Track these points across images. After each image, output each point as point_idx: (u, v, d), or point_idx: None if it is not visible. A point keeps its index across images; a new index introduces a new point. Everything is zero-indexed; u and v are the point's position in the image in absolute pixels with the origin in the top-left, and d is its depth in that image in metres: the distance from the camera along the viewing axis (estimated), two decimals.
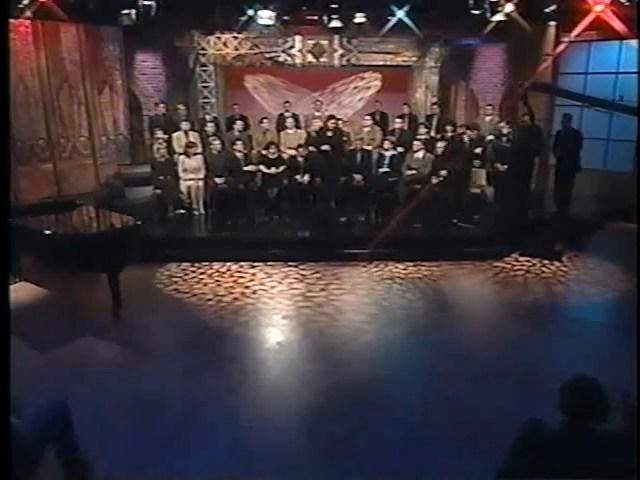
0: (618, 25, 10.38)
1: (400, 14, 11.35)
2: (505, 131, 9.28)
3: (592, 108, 9.52)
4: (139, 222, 6.70)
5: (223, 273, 7.95)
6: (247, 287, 7.46)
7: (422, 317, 6.65)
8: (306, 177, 9.72)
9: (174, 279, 7.75)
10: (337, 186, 9.66)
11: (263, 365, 5.62)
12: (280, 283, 7.59)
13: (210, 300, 7.05)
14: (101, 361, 5.62)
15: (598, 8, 10.66)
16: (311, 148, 10.16)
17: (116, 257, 6.40)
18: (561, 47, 10.98)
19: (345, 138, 10.76)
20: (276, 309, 6.82)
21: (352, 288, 7.42)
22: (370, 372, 5.44)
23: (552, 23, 11.00)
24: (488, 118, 10.81)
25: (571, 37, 11.00)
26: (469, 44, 12.21)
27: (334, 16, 11.56)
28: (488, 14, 11.02)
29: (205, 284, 7.57)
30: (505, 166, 9.15)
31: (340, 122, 10.81)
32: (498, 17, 10.91)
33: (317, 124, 10.50)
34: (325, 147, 9.92)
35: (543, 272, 8.06)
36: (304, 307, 6.85)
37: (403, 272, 7.98)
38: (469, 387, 5.12)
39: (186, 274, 7.92)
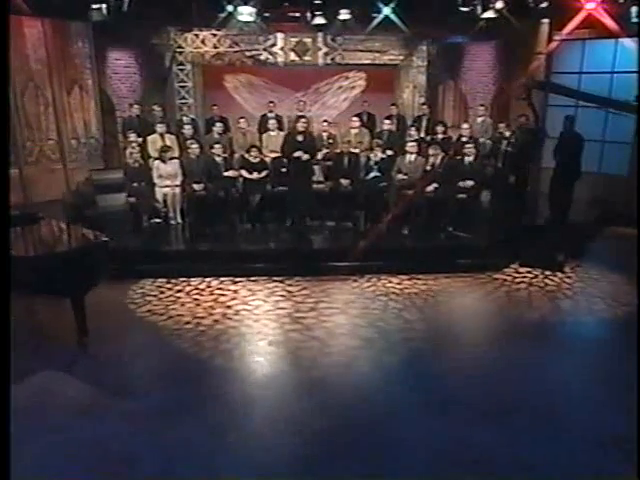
0: (610, 23, 9.76)
1: (386, 11, 10.63)
2: (507, 134, 8.46)
3: (593, 107, 8.74)
4: (106, 238, 5.81)
5: (202, 290, 7.08)
6: (229, 307, 6.61)
7: (422, 341, 5.85)
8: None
9: (148, 298, 6.86)
10: (309, 193, 8.82)
11: (248, 405, 4.76)
12: (265, 301, 6.75)
13: (188, 323, 6.18)
14: (59, 405, 4.73)
15: (590, 6, 10.06)
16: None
17: (80, 279, 5.50)
18: (553, 45, 10.29)
19: (331, 141, 9.94)
20: (261, 333, 5.97)
21: (344, 307, 6.60)
22: (369, 411, 4.65)
23: (545, 21, 10.31)
24: (480, 119, 10.07)
25: (563, 35, 10.32)
26: (458, 42, 11.50)
27: (318, 13, 10.82)
28: (478, 11, 10.32)
29: (182, 304, 6.69)
30: (504, 170, 8.39)
31: (326, 124, 9.99)
32: (488, 14, 10.21)
33: (301, 125, 9.59)
34: (298, 153, 8.73)
35: (546, 285, 7.33)
36: (292, 330, 6.01)
37: (398, 287, 7.18)
38: (480, 427, 4.35)
39: (161, 292, 7.04)
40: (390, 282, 7.33)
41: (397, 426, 4.44)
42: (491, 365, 5.37)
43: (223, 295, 6.94)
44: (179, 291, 7.06)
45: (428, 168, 8.59)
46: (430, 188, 8.43)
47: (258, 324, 6.18)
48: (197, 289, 7.12)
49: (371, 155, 9.22)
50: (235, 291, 7.04)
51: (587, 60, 10.26)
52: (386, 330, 6.05)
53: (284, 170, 8.98)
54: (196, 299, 6.83)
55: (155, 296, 6.92)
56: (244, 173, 9.07)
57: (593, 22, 9.98)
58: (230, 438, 4.31)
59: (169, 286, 7.21)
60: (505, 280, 7.45)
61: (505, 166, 8.30)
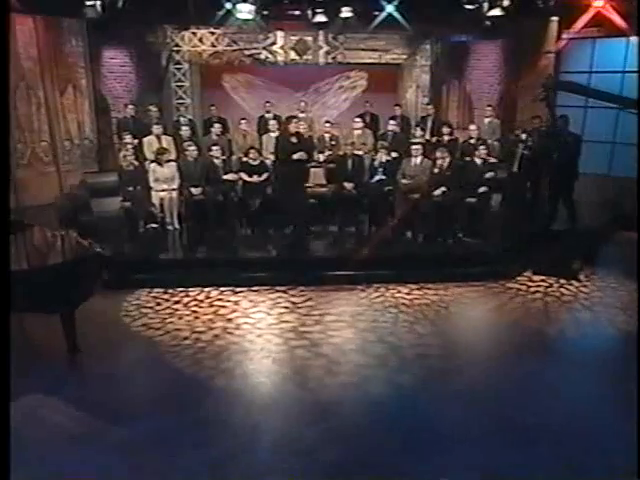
0: (619, 21, 9.34)
1: (389, 8, 10.15)
2: (524, 137, 7.96)
3: (627, 111, 8.24)
4: (99, 249, 5.34)
5: (201, 302, 6.60)
6: (229, 320, 6.14)
7: (437, 358, 5.39)
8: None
9: (144, 310, 6.38)
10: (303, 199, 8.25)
11: (251, 432, 4.30)
12: (268, 314, 6.28)
13: (186, 339, 5.71)
14: (44, 432, 4.26)
15: (598, 3, 9.64)
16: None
17: (70, 294, 5.04)
18: (563, 44, 9.84)
19: (333, 142, 9.46)
20: (264, 350, 5.50)
21: (352, 320, 6.13)
22: (383, 439, 4.19)
23: (554, 19, 9.85)
24: (487, 120, 9.61)
25: (571, 33, 9.89)
26: (463, 41, 11.03)
27: (319, 10, 10.31)
28: (484, 9, 9.84)
29: (180, 317, 6.21)
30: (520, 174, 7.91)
31: (328, 125, 9.51)
32: (495, 12, 9.73)
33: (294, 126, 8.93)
34: (296, 155, 7.88)
35: (563, 295, 6.88)
36: (298, 347, 5.54)
37: (408, 297, 6.72)
38: (504, 456, 3.91)
39: (158, 303, 6.55)
40: (399, 292, 6.86)
41: (413, 459, 3.98)
42: (515, 385, 4.91)
43: (223, 307, 6.46)
44: (176, 302, 6.58)
45: (436, 171, 8.12)
46: (438, 192, 7.98)
47: (261, 339, 5.70)
48: (196, 300, 6.64)
49: (375, 157, 8.77)
50: (236, 302, 6.56)
51: (597, 59, 9.79)
52: (398, 346, 5.58)
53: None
54: (195, 311, 6.35)
55: (151, 308, 6.44)
56: (244, 176, 8.61)
57: (602, 20, 9.58)
58: (232, 470, 3.85)
59: (166, 297, 6.73)
60: (519, 290, 7.00)
61: (521, 170, 7.80)
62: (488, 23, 9.90)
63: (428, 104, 10.40)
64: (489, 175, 8.08)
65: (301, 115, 9.88)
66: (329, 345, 5.58)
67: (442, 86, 11.41)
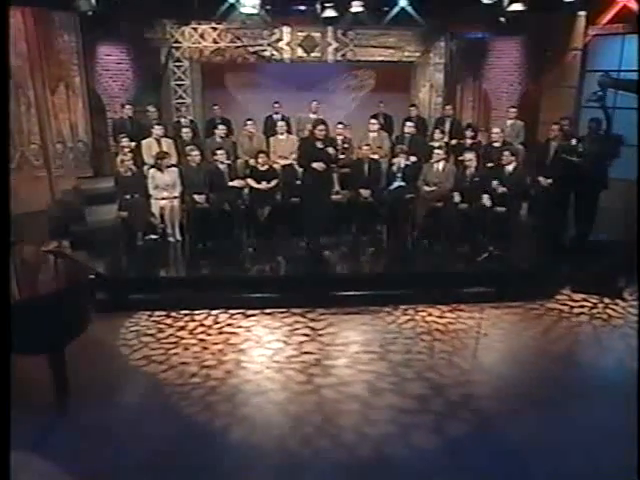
0: None
1: (402, 3, 9.24)
2: (574, 142, 7.04)
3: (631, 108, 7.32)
4: (92, 275, 4.42)
5: (209, 328, 5.68)
6: (242, 351, 5.23)
7: (489, 401, 4.51)
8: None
9: (144, 339, 5.45)
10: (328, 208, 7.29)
11: None
12: (286, 343, 5.37)
13: (194, 376, 4.80)
14: None
15: None
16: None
17: (58, 332, 4.12)
18: (591, 40, 8.99)
19: (346, 145, 8.54)
20: (287, 391, 4.59)
21: (382, 351, 5.22)
22: None
23: (581, 13, 8.98)
24: (510, 122, 8.73)
25: (598, 29, 9.03)
26: (480, 38, 10.12)
27: (327, 5, 9.39)
28: (504, 3, 8.94)
29: (186, 347, 5.30)
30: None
31: (341, 126, 8.59)
32: (515, 7, 8.84)
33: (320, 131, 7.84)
34: (317, 164, 6.83)
35: (611, 317, 6.02)
36: (325, 386, 4.65)
37: (441, 322, 5.83)
38: None
39: (160, 330, 5.63)
40: (430, 315, 5.97)
41: None
42: (589, 435, 4.03)
43: (234, 334, 5.54)
44: (181, 329, 5.66)
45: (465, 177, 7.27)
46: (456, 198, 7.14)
47: (281, 376, 4.80)
48: (203, 325, 5.72)
49: (393, 162, 7.89)
50: (248, 329, 5.65)
51: (626, 57, 8.91)
52: (440, 385, 4.69)
53: (298, 181, 7.60)
54: (202, 340, 5.43)
55: (152, 336, 5.52)
56: (252, 183, 7.70)
57: (630, 15, 8.73)
58: None
59: (169, 322, 5.80)
60: (562, 311, 6.13)
61: (567, 179, 6.89)
62: (508, 18, 9.05)
63: (447, 105, 9.51)
64: (517, 181, 7.25)
65: (312, 116, 8.95)
66: (360, 383, 4.69)
67: (457, 85, 10.51)
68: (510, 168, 7.25)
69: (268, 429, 4.13)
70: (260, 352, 5.20)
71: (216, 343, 5.35)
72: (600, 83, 6.33)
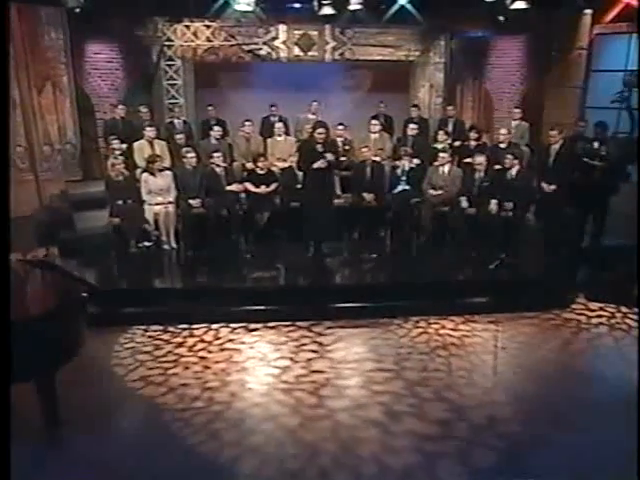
0: None
1: (402, 0, 8.90)
2: (596, 145, 6.66)
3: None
4: (84, 294, 3.99)
5: (209, 344, 5.25)
6: (247, 370, 4.83)
7: (517, 425, 4.13)
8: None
9: (140, 357, 5.02)
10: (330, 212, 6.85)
11: None
12: (293, 361, 4.97)
13: (196, 399, 4.39)
14: None
15: None
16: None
17: (47, 355, 3.68)
18: (596, 39, 8.68)
19: (347, 147, 8.15)
20: (298, 416, 4.18)
21: (397, 368, 4.83)
22: None
23: (587, 11, 8.67)
24: (515, 123, 8.38)
25: (603, 28, 8.75)
26: (482, 37, 9.79)
27: (325, 2, 9.01)
28: (506, 1, 8.61)
29: (186, 366, 4.87)
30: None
31: (341, 127, 8.19)
32: (518, 5, 8.51)
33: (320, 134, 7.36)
34: (318, 163, 6.40)
35: (631, 327, 5.69)
36: (339, 410, 4.25)
37: (455, 335, 5.45)
38: None
39: (157, 347, 5.19)
40: (443, 327, 5.59)
41: None
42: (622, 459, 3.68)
43: (237, 351, 5.13)
44: (180, 345, 5.23)
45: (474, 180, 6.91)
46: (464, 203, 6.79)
47: (290, 399, 4.39)
48: (203, 341, 5.29)
49: (397, 164, 7.53)
50: (251, 345, 5.24)
51: (634, 56, 8.60)
52: (461, 407, 4.31)
53: (298, 185, 7.21)
54: (203, 358, 5.01)
55: (149, 353, 5.08)
56: (250, 187, 7.29)
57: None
58: None
59: (166, 337, 5.37)
60: (579, 321, 5.78)
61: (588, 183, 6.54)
62: (510, 17, 8.72)
63: (449, 105, 9.15)
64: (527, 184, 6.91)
65: (311, 117, 8.56)
66: (377, 406, 4.30)
67: (457, 85, 10.17)
68: (513, 172, 6.89)
69: (281, 462, 3.71)
70: (266, 371, 4.79)
71: (218, 362, 4.92)
72: (625, 82, 5.99)
